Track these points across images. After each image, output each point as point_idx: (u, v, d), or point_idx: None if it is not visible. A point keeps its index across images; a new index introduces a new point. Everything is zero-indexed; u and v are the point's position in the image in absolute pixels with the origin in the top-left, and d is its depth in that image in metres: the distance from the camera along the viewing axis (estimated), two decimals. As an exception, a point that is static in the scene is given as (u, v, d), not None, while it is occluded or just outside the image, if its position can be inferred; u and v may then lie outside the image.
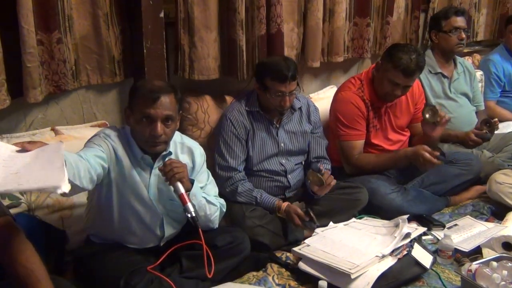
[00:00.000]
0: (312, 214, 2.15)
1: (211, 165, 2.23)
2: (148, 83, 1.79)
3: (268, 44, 2.54)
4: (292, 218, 2.16)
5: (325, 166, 2.47)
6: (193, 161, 1.93)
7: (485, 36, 3.95)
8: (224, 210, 2.00)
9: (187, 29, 2.32)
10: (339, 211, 2.32)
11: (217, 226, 1.97)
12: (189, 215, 1.69)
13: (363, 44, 3.08)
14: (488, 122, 2.84)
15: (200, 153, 1.96)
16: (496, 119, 2.92)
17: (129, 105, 1.79)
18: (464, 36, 3.02)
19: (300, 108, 2.43)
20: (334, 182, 2.24)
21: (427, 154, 2.34)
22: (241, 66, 2.46)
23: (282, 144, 2.38)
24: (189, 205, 1.69)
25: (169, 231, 1.92)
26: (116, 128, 1.86)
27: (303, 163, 2.52)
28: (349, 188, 2.41)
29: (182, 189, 1.70)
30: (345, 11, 2.94)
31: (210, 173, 2.04)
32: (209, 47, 2.38)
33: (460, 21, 3.02)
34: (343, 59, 3.04)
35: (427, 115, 2.47)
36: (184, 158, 1.90)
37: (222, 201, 2.01)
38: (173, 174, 1.68)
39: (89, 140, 1.76)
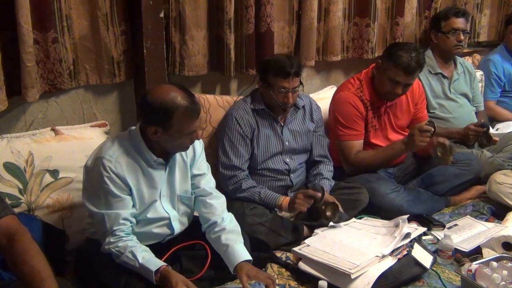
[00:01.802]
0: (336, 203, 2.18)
1: (214, 164, 2.23)
2: (177, 100, 1.68)
3: (257, 42, 2.58)
4: (296, 197, 2.15)
5: (327, 168, 2.48)
6: (194, 150, 1.95)
7: (490, 37, 3.94)
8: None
9: (178, 27, 2.37)
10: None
11: None
12: None
13: (362, 44, 3.09)
14: (485, 126, 2.86)
15: (199, 142, 1.99)
16: (497, 139, 2.93)
17: (159, 125, 1.70)
18: (462, 37, 3.02)
19: (303, 107, 2.44)
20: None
21: (418, 125, 2.41)
22: (228, 64, 2.50)
23: (287, 143, 2.38)
24: None
25: (177, 227, 1.92)
26: (116, 141, 1.80)
27: (306, 162, 2.53)
28: (350, 189, 2.41)
29: None
30: (342, 10, 2.94)
31: (208, 165, 2.06)
32: (199, 45, 2.44)
33: (459, 22, 3.02)
34: (341, 58, 3.04)
35: (438, 153, 2.47)
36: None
37: (223, 198, 2.04)
38: None
39: (102, 187, 1.71)
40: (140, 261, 1.67)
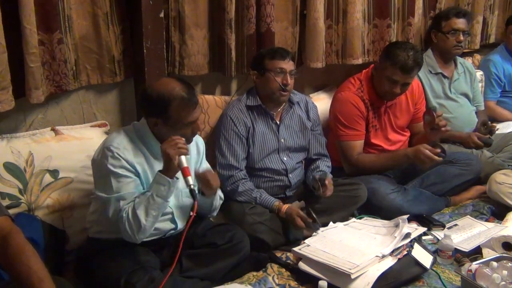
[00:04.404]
0: (314, 215, 2.15)
1: (212, 164, 2.23)
2: (175, 91, 1.73)
3: (258, 42, 2.58)
4: (294, 220, 2.16)
5: (325, 164, 2.48)
6: (198, 149, 2.00)
7: (497, 38, 3.92)
8: (223, 198, 2.08)
9: (177, 27, 2.37)
10: (338, 208, 2.32)
11: (216, 214, 2.07)
12: (191, 186, 1.74)
13: (384, 46, 2.95)
14: (485, 124, 2.86)
15: (201, 142, 2.05)
16: (495, 124, 2.93)
17: (158, 116, 1.75)
18: (462, 38, 3.01)
19: (298, 103, 2.44)
20: (331, 190, 2.25)
21: (427, 151, 2.35)
22: (229, 64, 2.50)
23: (282, 140, 2.38)
24: (190, 178, 1.74)
25: (180, 223, 1.92)
26: (121, 131, 1.83)
27: (303, 161, 2.53)
28: (348, 185, 2.41)
29: (185, 163, 1.74)
30: (361, 12, 2.89)
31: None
32: (199, 44, 2.44)
33: (459, 23, 3.01)
34: (362, 61, 2.97)
35: (425, 120, 2.50)
36: (191, 147, 1.95)
37: (220, 191, 2.07)
38: (178, 148, 1.71)
39: (111, 169, 1.71)
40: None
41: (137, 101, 2.31)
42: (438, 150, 2.36)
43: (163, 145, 1.72)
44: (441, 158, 2.36)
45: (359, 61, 2.96)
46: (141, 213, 1.68)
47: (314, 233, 2.16)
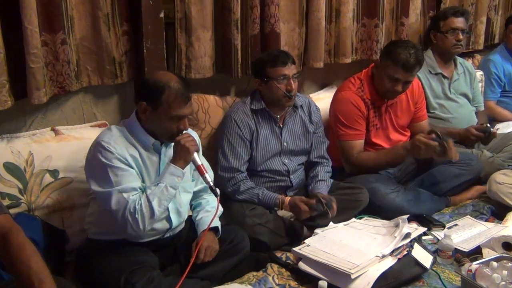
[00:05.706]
0: (317, 196, 2.16)
1: (212, 164, 2.23)
2: (171, 82, 1.76)
3: (262, 43, 2.56)
4: (299, 206, 2.16)
5: (325, 169, 2.48)
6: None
7: (500, 38, 3.92)
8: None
9: (184, 29, 2.35)
10: (340, 212, 2.31)
11: None
12: (210, 184, 1.80)
13: (371, 45, 3.03)
14: (486, 131, 2.86)
15: (197, 137, 2.03)
16: (495, 131, 2.93)
17: (149, 102, 1.76)
18: (461, 37, 3.01)
19: (301, 106, 2.44)
20: (335, 207, 2.21)
21: (422, 137, 2.36)
22: (235, 65, 2.48)
23: (285, 144, 2.38)
24: (207, 175, 1.81)
25: (175, 220, 1.92)
26: (111, 128, 1.84)
27: (305, 163, 2.53)
28: (350, 189, 2.41)
29: (199, 161, 1.81)
30: (352, 11, 2.90)
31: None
32: (206, 46, 2.41)
33: (458, 22, 3.01)
34: (351, 60, 2.99)
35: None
36: None
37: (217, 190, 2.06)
38: (190, 145, 1.78)
39: (106, 163, 1.72)
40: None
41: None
42: (433, 135, 2.37)
43: (180, 138, 1.78)
44: (436, 143, 2.35)
45: (349, 60, 2.97)
46: (155, 204, 1.72)
47: (314, 233, 2.16)
